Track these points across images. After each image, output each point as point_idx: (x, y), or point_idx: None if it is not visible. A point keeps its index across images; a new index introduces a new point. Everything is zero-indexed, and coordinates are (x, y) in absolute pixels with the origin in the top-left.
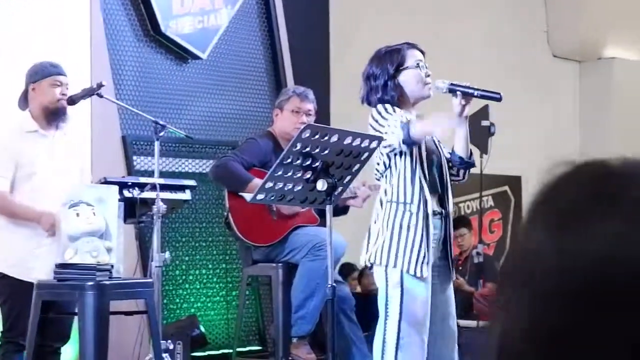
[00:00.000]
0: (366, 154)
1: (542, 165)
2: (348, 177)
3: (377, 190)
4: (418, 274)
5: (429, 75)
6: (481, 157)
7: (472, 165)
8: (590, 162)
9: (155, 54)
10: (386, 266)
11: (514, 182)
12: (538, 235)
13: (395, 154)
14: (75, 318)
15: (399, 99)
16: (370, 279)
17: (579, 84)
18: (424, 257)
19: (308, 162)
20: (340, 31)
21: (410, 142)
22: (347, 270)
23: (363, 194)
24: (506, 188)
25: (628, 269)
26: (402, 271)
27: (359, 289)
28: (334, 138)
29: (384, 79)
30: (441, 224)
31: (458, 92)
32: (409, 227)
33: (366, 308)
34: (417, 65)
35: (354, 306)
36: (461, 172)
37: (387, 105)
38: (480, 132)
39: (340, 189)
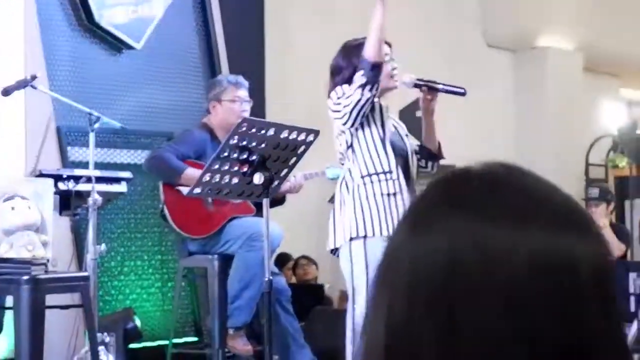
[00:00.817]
0: (302, 147)
1: (476, 155)
2: (285, 171)
3: (312, 177)
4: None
5: (395, 68)
6: None
7: (440, 157)
8: (456, 169)
9: (90, 44)
10: (351, 240)
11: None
12: (399, 236)
13: (362, 115)
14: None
15: None
16: (305, 269)
17: (513, 73)
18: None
19: (245, 156)
20: (274, 22)
21: (373, 64)
22: (282, 260)
23: (298, 182)
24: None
25: (471, 266)
26: (365, 242)
27: (294, 280)
28: (271, 131)
29: (350, 72)
30: None
31: (423, 88)
32: (394, 194)
33: (301, 298)
34: (385, 59)
35: (290, 297)
36: (429, 164)
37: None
38: (414, 123)
39: (277, 182)
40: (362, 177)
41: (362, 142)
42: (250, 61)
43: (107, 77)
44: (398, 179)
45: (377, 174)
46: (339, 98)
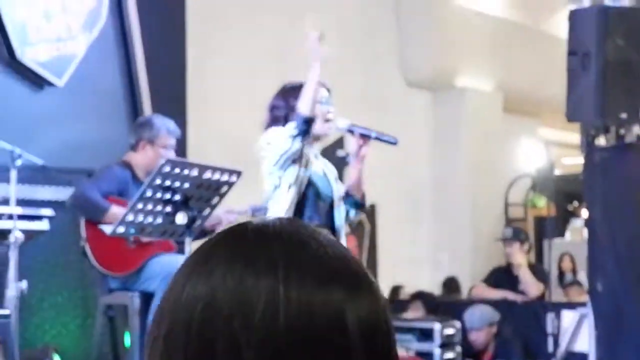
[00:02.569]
0: (225, 187)
1: (395, 193)
2: (207, 210)
3: (242, 214)
4: None
5: (330, 112)
6: None
7: (362, 206)
8: (238, 224)
9: (11, 80)
10: None
11: (369, 210)
12: (175, 281)
13: (291, 160)
14: None
15: None
16: None
17: (433, 112)
18: None
19: (168, 196)
20: (197, 58)
21: (305, 119)
22: None
23: (230, 218)
24: (362, 216)
25: (229, 318)
26: None
27: None
28: (194, 172)
29: (286, 112)
30: None
31: (356, 133)
32: None
33: None
34: (321, 102)
35: None
36: (352, 211)
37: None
38: (335, 162)
39: (199, 221)
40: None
41: (287, 184)
42: (172, 97)
43: (28, 113)
44: (320, 225)
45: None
46: (268, 144)
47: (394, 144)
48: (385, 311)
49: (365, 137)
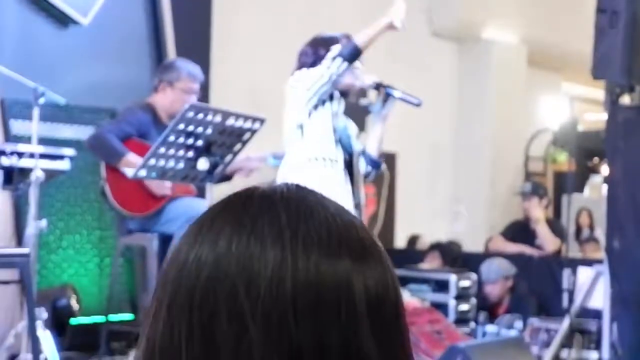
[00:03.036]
0: (248, 134)
1: (416, 143)
2: (229, 156)
3: (262, 161)
4: None
5: (357, 68)
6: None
7: (379, 167)
8: (244, 189)
9: (36, 17)
10: None
11: (389, 159)
12: (181, 241)
13: (328, 91)
14: None
15: None
16: None
17: (457, 64)
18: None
19: (191, 141)
20: (223, 3)
21: (356, 47)
22: None
23: (250, 165)
24: (381, 171)
25: (233, 282)
26: None
27: None
28: (217, 118)
29: (313, 59)
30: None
31: (382, 90)
32: (340, 182)
33: None
34: None
35: None
36: (369, 168)
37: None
38: (358, 111)
39: (221, 167)
40: (309, 159)
41: (313, 125)
42: (196, 43)
43: (52, 51)
44: (344, 170)
45: (324, 159)
46: (297, 81)
47: (418, 105)
48: (393, 280)
49: (389, 96)
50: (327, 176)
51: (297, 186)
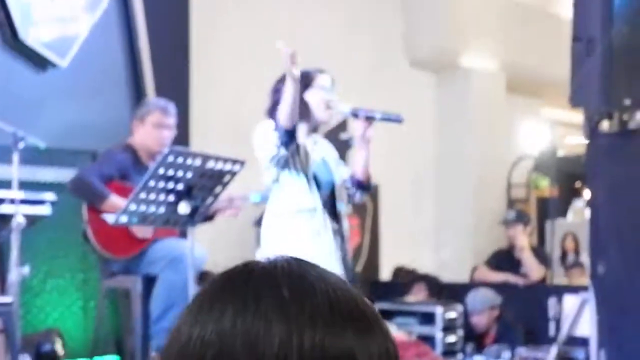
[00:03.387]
0: (228, 176)
1: (399, 173)
2: (210, 199)
3: (246, 200)
4: None
5: (332, 101)
6: None
7: (368, 189)
8: (243, 262)
9: (14, 61)
10: None
11: (373, 191)
12: (182, 318)
13: (282, 164)
14: None
15: (304, 115)
16: None
17: (437, 92)
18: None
19: (171, 186)
20: (200, 40)
21: (286, 131)
22: (205, 279)
23: (234, 205)
24: (365, 197)
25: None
26: None
27: None
28: (197, 162)
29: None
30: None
31: (360, 116)
32: (318, 231)
33: None
34: (324, 89)
35: None
36: (357, 193)
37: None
38: (339, 145)
39: (202, 210)
40: (288, 212)
41: (286, 178)
42: (175, 79)
43: (31, 94)
44: (323, 216)
45: (300, 211)
46: (260, 142)
47: (400, 122)
48: (394, 350)
49: (369, 119)
50: (305, 229)
51: (297, 260)
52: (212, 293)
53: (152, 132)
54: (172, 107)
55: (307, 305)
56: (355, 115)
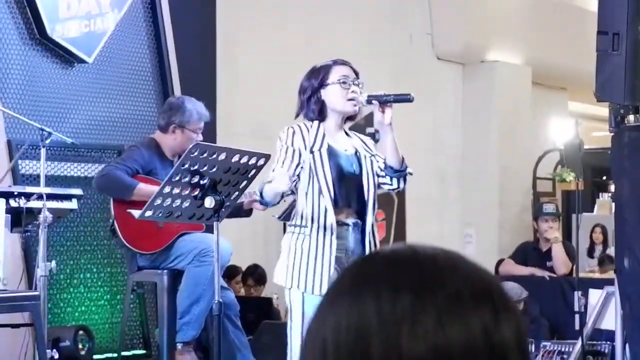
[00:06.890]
0: (253, 171)
1: (424, 167)
2: (235, 194)
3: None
4: (317, 292)
5: (354, 92)
6: None
7: (404, 173)
8: (367, 254)
9: (41, 57)
10: (289, 289)
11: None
12: (318, 313)
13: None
14: None
15: (322, 113)
16: (253, 289)
17: (462, 86)
18: (321, 274)
19: (196, 180)
20: (227, 37)
21: (264, 202)
22: (230, 273)
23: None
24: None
25: (350, 336)
26: (303, 293)
27: (242, 292)
28: (222, 156)
29: (309, 94)
30: (350, 234)
31: (374, 102)
32: (302, 248)
33: (249, 312)
34: (341, 82)
35: (238, 312)
36: (394, 180)
37: (288, 133)
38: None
39: (227, 204)
40: (291, 225)
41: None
42: (201, 75)
43: (58, 90)
44: (311, 232)
45: (296, 225)
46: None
47: (410, 100)
48: (525, 328)
49: (384, 103)
50: (294, 244)
51: (420, 246)
52: (360, 278)
53: (189, 140)
54: (206, 111)
55: (449, 284)
56: (370, 102)
